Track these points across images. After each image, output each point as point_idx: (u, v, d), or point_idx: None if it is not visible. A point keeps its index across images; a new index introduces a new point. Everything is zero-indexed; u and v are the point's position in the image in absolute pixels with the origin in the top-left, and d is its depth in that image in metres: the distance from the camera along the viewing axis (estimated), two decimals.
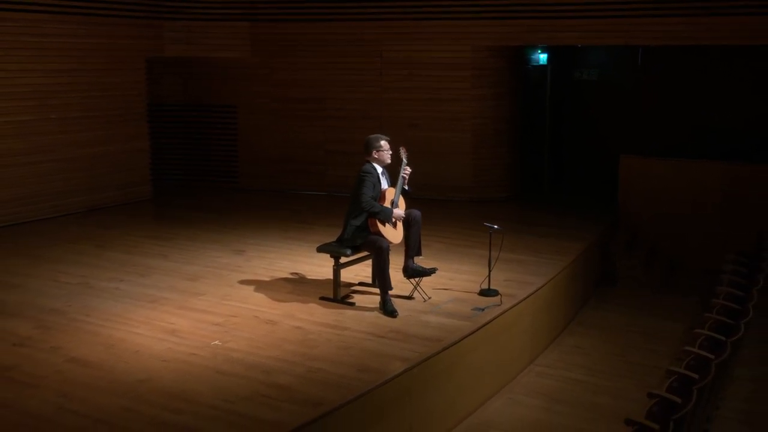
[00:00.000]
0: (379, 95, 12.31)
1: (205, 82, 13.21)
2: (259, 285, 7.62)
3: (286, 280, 7.82)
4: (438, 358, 5.90)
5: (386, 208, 6.83)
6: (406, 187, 7.10)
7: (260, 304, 7.04)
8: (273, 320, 6.60)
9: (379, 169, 6.98)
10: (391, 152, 7.06)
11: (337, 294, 7.06)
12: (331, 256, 7.02)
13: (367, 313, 6.77)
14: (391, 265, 6.79)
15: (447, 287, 7.50)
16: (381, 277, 6.78)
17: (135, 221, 10.64)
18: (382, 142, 7.00)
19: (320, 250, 7.15)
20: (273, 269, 8.17)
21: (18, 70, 10.09)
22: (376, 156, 6.98)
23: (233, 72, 12.97)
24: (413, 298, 7.14)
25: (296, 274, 8.02)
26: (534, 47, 13.07)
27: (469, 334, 6.30)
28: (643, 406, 4.82)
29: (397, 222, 6.99)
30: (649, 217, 11.03)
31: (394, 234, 6.94)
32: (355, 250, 6.99)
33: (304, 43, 12.52)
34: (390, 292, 6.80)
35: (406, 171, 7.06)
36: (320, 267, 8.00)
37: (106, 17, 11.12)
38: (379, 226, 6.78)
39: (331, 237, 7.43)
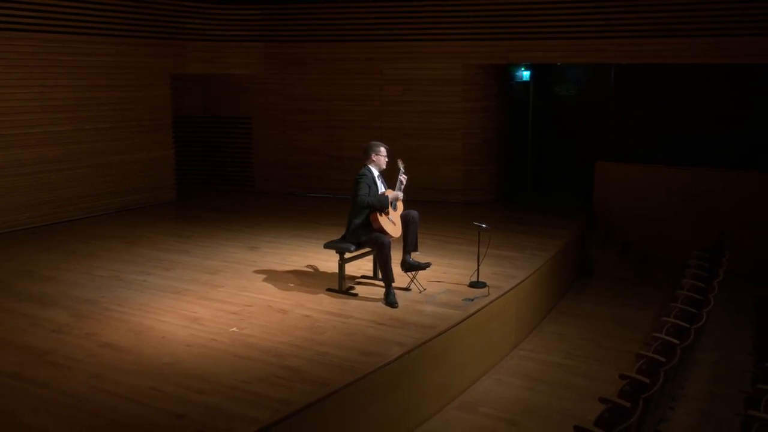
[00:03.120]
0: (379, 108, 12.32)
1: (223, 96, 13.22)
2: (272, 278, 7.63)
3: (296, 273, 7.83)
4: (432, 344, 5.91)
5: (380, 196, 6.85)
6: (401, 195, 7.15)
7: (273, 294, 7.06)
8: (284, 309, 6.61)
9: (375, 173, 7.00)
10: (387, 159, 7.10)
11: (342, 286, 7.07)
12: (337, 252, 7.04)
13: (368, 303, 6.78)
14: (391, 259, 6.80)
15: (440, 280, 7.51)
16: (384, 271, 6.78)
17: (160, 221, 10.65)
18: (381, 149, 7.05)
19: (327, 246, 7.16)
20: (284, 264, 8.19)
21: (55, 86, 10.09)
22: (374, 159, 7.02)
23: (248, 87, 12.98)
24: (410, 290, 7.15)
25: (305, 267, 8.03)
26: (518, 65, 13.10)
27: (460, 322, 6.32)
28: (616, 386, 4.84)
29: (398, 205, 7.01)
30: (622, 217, 11.05)
31: (394, 230, 6.96)
32: (358, 247, 7.01)
33: (312, 61, 12.54)
34: (393, 284, 6.82)
35: (403, 178, 7.11)
36: (327, 262, 8.02)
37: (135, 38, 11.13)
38: (381, 222, 6.80)
39: (336, 235, 7.45)
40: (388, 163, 7.14)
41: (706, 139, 12.03)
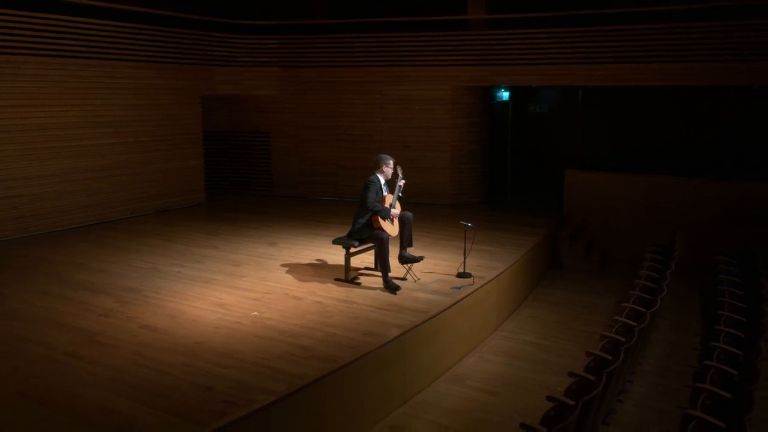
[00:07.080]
0: (379, 123, 12.31)
1: (245, 114, 13.21)
2: (288, 269, 7.63)
3: (308, 265, 7.83)
4: (425, 326, 5.92)
5: (385, 207, 6.88)
6: (401, 194, 7.15)
7: (289, 283, 7.06)
8: (299, 296, 6.62)
9: (382, 180, 7.02)
10: (393, 171, 7.13)
11: (348, 276, 7.07)
12: (343, 247, 7.04)
13: (370, 291, 6.79)
14: (389, 253, 6.80)
15: (432, 271, 7.51)
16: (383, 263, 6.80)
17: (192, 220, 10.63)
18: (390, 162, 7.07)
19: (335, 242, 7.17)
20: (299, 257, 8.19)
21: (101, 105, 10.10)
22: (383, 170, 7.03)
23: (267, 106, 12.97)
24: (406, 279, 7.15)
25: (316, 260, 8.03)
26: (499, 87, 13.10)
27: (449, 307, 6.32)
28: (583, 362, 4.85)
29: (394, 218, 7.02)
30: (588, 217, 11.04)
31: (391, 229, 6.98)
32: (362, 243, 7.01)
33: (321, 84, 12.53)
34: (389, 274, 6.82)
35: (401, 182, 7.12)
36: (334, 255, 8.02)
37: (170, 64, 11.13)
38: (381, 222, 6.82)
39: (343, 232, 7.45)
40: (393, 174, 7.16)
41: (665, 150, 12.04)
